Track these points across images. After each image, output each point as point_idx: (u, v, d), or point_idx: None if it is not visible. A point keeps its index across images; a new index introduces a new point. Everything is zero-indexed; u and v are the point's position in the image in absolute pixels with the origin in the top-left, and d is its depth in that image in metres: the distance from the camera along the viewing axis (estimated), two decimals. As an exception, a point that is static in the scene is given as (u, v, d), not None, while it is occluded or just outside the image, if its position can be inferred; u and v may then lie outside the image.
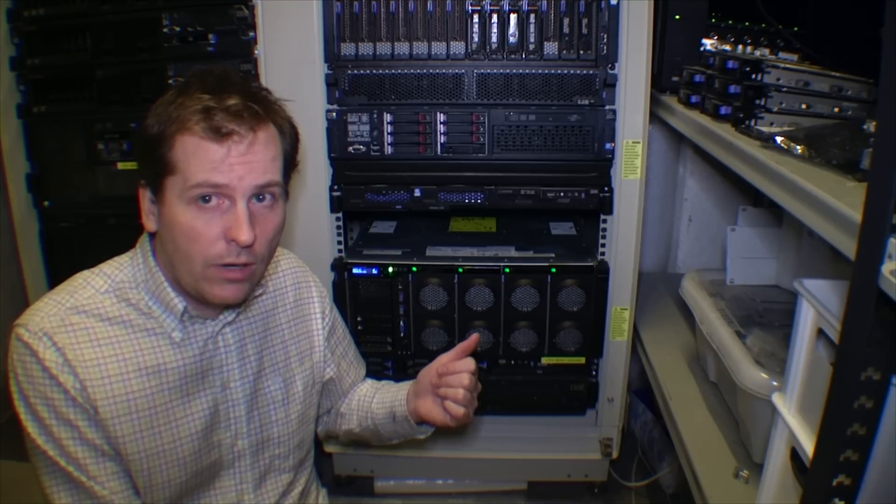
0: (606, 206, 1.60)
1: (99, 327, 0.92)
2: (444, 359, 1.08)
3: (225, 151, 0.86)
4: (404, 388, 1.17)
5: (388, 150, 1.58)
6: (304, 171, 1.58)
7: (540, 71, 1.53)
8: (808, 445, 0.88)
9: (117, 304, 0.94)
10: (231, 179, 0.86)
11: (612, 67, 1.52)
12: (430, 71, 1.54)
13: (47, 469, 0.90)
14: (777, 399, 1.02)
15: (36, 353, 0.87)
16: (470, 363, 1.06)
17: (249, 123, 0.88)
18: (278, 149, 0.93)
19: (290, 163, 0.97)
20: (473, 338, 1.09)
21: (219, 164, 0.86)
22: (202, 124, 0.85)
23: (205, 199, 0.87)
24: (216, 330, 1.00)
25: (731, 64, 1.29)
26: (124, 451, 0.93)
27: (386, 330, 1.68)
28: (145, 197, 0.93)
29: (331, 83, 1.55)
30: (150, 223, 0.94)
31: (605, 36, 1.50)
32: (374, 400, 1.20)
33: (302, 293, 1.16)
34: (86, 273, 0.97)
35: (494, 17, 1.51)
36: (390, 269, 1.63)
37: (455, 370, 1.06)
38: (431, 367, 1.10)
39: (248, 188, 0.88)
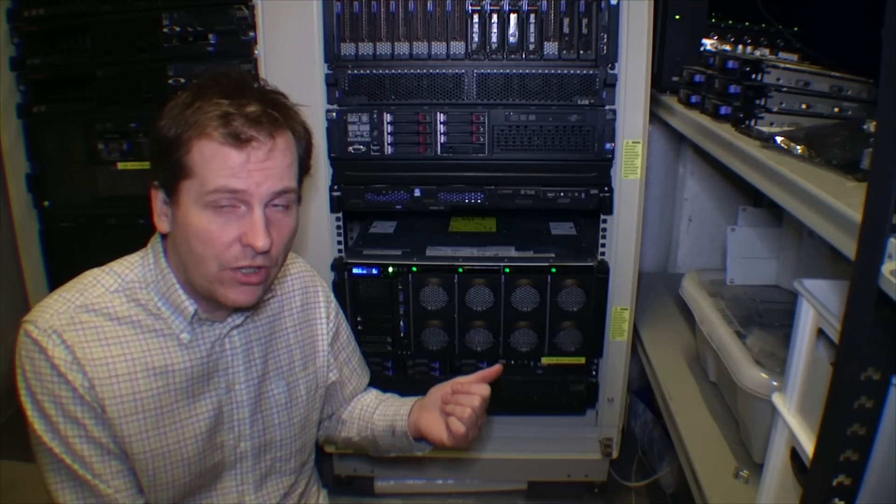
0: (606, 205, 1.60)
1: (108, 326, 0.92)
2: (461, 379, 1.09)
3: (244, 158, 0.86)
4: (408, 403, 1.17)
5: (388, 150, 1.58)
6: (305, 171, 1.58)
7: (540, 71, 1.53)
8: (808, 445, 0.88)
9: (126, 304, 0.94)
10: (249, 185, 0.87)
11: (612, 67, 1.52)
12: (430, 71, 1.54)
13: (52, 466, 0.90)
14: (777, 399, 1.02)
15: (45, 350, 0.87)
16: (485, 389, 1.07)
17: (268, 130, 0.88)
18: (294, 154, 0.93)
19: (304, 167, 0.97)
20: (496, 368, 1.09)
21: (237, 171, 0.86)
22: (221, 130, 0.85)
23: (221, 204, 0.87)
24: (224, 332, 1.00)
25: (731, 64, 1.29)
26: (130, 450, 0.93)
27: (386, 330, 1.68)
28: (158, 198, 0.93)
29: (331, 83, 1.55)
30: (162, 224, 0.94)
31: (605, 36, 1.50)
32: (376, 411, 1.20)
33: (309, 298, 1.16)
34: (96, 271, 0.97)
35: (494, 17, 1.51)
36: (390, 269, 1.63)
37: (469, 391, 1.06)
38: (447, 384, 1.10)
39: (266, 194, 0.88)
